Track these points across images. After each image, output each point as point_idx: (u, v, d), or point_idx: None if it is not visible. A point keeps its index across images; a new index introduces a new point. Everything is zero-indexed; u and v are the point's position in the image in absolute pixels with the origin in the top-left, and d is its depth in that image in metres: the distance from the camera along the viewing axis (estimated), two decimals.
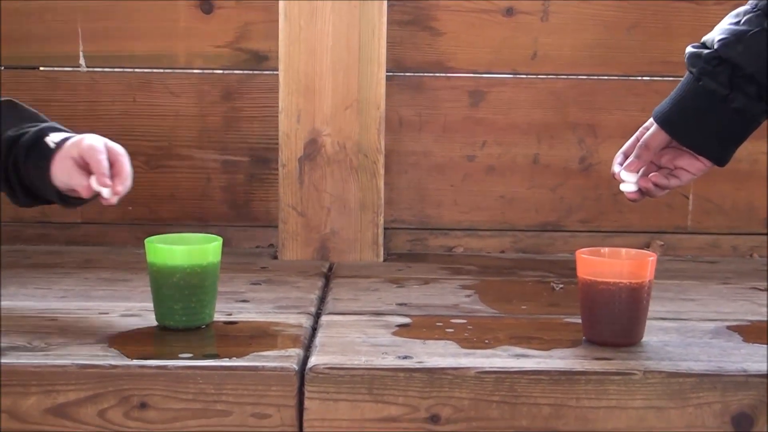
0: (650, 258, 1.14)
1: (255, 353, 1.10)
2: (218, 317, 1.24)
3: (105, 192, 1.20)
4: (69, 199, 1.25)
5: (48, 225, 1.74)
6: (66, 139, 1.25)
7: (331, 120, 1.63)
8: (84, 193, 1.21)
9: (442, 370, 1.06)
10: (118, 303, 1.31)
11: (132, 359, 1.07)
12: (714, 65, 1.16)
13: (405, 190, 1.74)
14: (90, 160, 1.21)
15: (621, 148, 1.31)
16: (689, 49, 1.22)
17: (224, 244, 1.74)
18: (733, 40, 1.16)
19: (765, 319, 1.29)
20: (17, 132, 1.25)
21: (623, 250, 1.20)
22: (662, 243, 1.74)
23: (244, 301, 1.34)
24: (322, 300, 1.38)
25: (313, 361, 1.08)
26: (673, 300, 1.38)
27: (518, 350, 1.13)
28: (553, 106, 1.72)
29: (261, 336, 1.17)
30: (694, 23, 1.70)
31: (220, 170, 1.73)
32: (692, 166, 1.23)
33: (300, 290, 1.41)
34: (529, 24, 1.70)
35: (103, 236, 1.74)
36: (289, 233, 1.65)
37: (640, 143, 1.24)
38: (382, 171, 1.64)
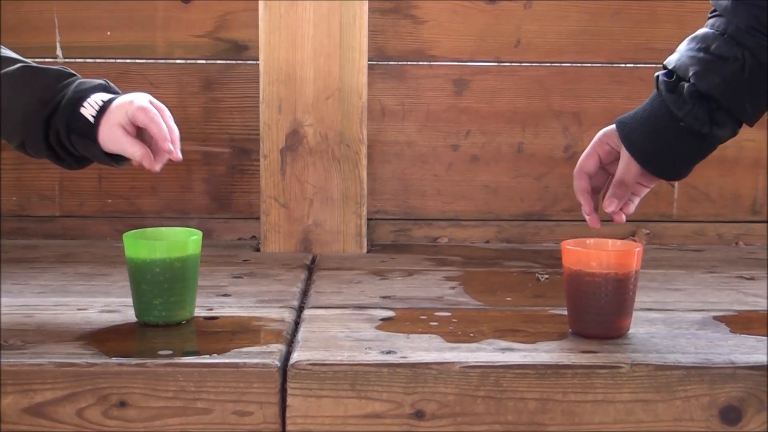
0: (636, 249, 1.13)
1: (236, 349, 1.08)
2: (199, 312, 1.22)
3: (173, 157, 1.15)
4: (121, 159, 1.19)
5: (25, 219, 1.71)
6: (106, 103, 1.16)
7: (312, 109, 1.61)
8: (145, 163, 1.15)
9: (426, 365, 1.04)
10: (97, 298, 1.29)
11: (110, 357, 1.05)
12: (693, 103, 1.11)
13: (388, 180, 1.72)
14: (146, 125, 1.14)
15: (579, 164, 1.23)
16: (660, 76, 1.16)
17: (206, 237, 1.73)
18: (710, 72, 1.10)
19: (751, 309, 1.28)
20: (50, 97, 1.16)
21: (609, 241, 1.19)
22: (648, 231, 1.73)
23: (225, 295, 1.32)
24: (304, 293, 1.36)
25: (295, 357, 1.06)
26: (659, 290, 1.37)
27: (503, 344, 1.11)
28: (537, 94, 1.71)
29: (242, 331, 1.15)
30: (677, 9, 1.69)
31: (201, 162, 1.71)
32: (650, 182, 1.20)
33: (282, 283, 1.39)
34: (512, 11, 1.68)
35: (82, 230, 1.71)
36: (272, 225, 1.63)
37: (615, 180, 1.18)
38: (365, 161, 1.62)
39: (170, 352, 1.07)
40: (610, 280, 1.11)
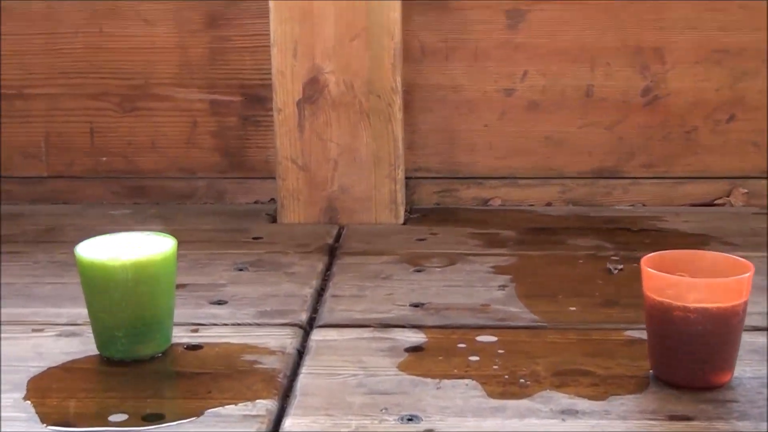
0: (747, 273, 0.84)
1: (212, 409, 0.83)
2: (181, 334, 0.97)
3: None
4: None
5: (8, 180, 1.47)
6: None
7: (334, 54, 1.32)
8: None
9: None
10: (62, 309, 1.05)
11: (46, 425, 0.81)
12: None
13: (430, 132, 1.44)
14: None
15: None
16: None
17: (217, 199, 1.48)
18: None
19: None
20: None
21: (707, 254, 0.90)
22: (746, 191, 1.43)
23: (219, 303, 1.07)
24: (319, 294, 1.11)
25: (286, 427, 0.81)
26: (764, 289, 1.08)
27: (564, 399, 0.85)
28: (610, 26, 1.40)
29: (227, 374, 0.90)
30: None
31: (208, 112, 1.45)
32: None
33: (293, 280, 1.13)
34: None
35: (74, 192, 1.47)
36: (289, 191, 1.36)
37: None
38: (399, 115, 1.34)
39: (124, 417, 0.82)
40: (709, 317, 0.83)
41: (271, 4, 1.31)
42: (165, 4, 1.41)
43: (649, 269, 0.86)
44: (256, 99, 1.44)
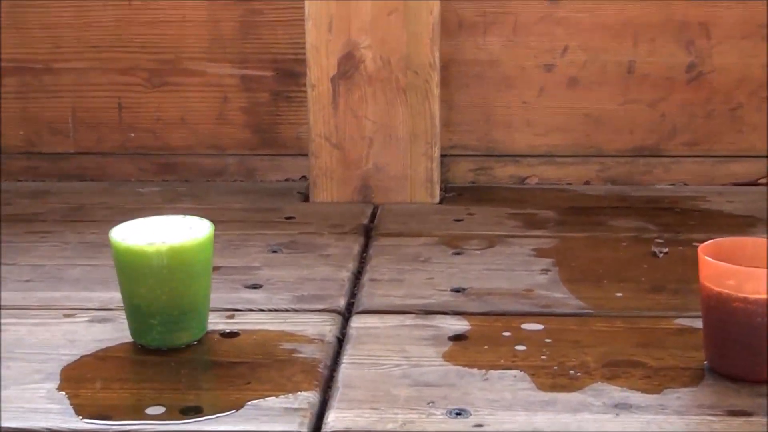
0: None
1: (252, 401, 0.80)
2: (216, 320, 0.94)
3: None
4: None
5: (34, 156, 1.44)
6: None
7: (371, 28, 1.28)
8: None
9: None
10: (93, 293, 1.02)
11: (81, 418, 0.78)
12: None
13: (466, 108, 1.40)
14: None
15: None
16: None
17: (247, 177, 1.45)
18: None
19: None
20: None
21: (764, 241, 0.86)
22: None
23: (254, 287, 1.04)
24: (356, 277, 1.08)
25: (330, 421, 0.78)
26: None
27: (617, 393, 0.81)
28: (655, 1, 1.35)
29: (266, 363, 0.87)
30: None
31: (239, 87, 1.41)
32: None
33: (329, 263, 1.10)
34: None
35: (101, 169, 1.44)
36: (322, 170, 1.33)
37: None
38: (436, 91, 1.30)
39: (162, 410, 0.79)
40: None
41: None
42: None
43: (707, 258, 0.82)
44: (289, 74, 1.40)
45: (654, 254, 1.12)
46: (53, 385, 0.83)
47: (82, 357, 0.88)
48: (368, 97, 1.30)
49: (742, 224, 1.23)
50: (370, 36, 1.28)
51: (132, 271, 0.86)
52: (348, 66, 1.30)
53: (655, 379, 0.83)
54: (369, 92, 1.30)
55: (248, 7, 1.38)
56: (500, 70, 1.39)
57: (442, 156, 1.37)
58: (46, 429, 0.77)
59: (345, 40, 1.29)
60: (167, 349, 0.89)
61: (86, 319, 0.96)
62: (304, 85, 1.36)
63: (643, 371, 0.85)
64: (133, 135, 1.43)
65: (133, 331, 0.90)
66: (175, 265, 0.86)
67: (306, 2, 1.28)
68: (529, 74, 1.39)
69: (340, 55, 1.29)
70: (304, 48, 1.33)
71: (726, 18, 1.35)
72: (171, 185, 1.41)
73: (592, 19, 1.36)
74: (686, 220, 1.25)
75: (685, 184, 1.40)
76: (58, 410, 0.79)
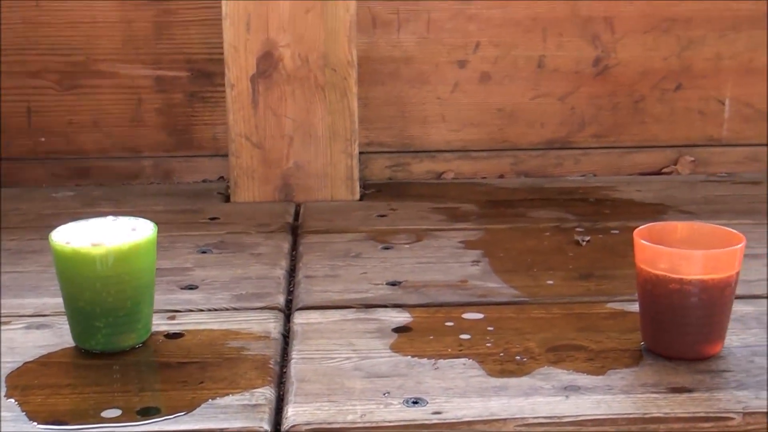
0: (739, 244, 0.85)
1: (209, 401, 0.80)
2: (158, 321, 0.94)
3: None
4: None
5: None
6: None
7: (289, 26, 1.29)
8: None
9: (470, 426, 0.77)
10: (25, 299, 1.00)
11: (36, 424, 0.77)
12: None
13: (382, 105, 1.42)
14: None
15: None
16: None
17: (164, 179, 1.43)
18: None
19: None
20: None
21: (694, 224, 0.90)
22: (693, 159, 1.45)
23: (190, 287, 1.03)
24: (291, 275, 1.08)
25: (290, 416, 0.78)
26: None
27: (564, 375, 0.84)
28: None
29: (216, 362, 0.87)
30: None
31: (154, 89, 1.40)
32: None
33: (262, 261, 1.10)
34: None
35: (11, 175, 1.41)
36: (243, 169, 1.33)
37: None
38: (355, 89, 1.31)
39: (118, 412, 0.78)
40: (705, 288, 0.83)
41: None
42: None
43: (643, 241, 0.85)
44: (204, 74, 1.40)
45: (577, 242, 1.16)
46: (3, 392, 0.82)
47: (25, 364, 0.87)
48: (287, 95, 1.31)
49: (653, 211, 1.28)
50: (288, 34, 1.29)
51: (76, 274, 0.85)
52: (267, 65, 1.30)
53: (598, 361, 0.86)
54: (288, 91, 1.31)
55: (162, 7, 1.37)
56: (415, 67, 1.41)
57: (359, 153, 1.39)
58: None
59: (263, 39, 1.29)
60: (112, 353, 0.88)
61: (23, 325, 0.94)
62: (220, 85, 1.36)
63: (586, 354, 0.88)
64: (43, 139, 1.41)
65: (77, 336, 0.89)
66: (121, 267, 0.85)
67: (223, 1, 1.27)
68: (442, 70, 1.41)
69: (259, 54, 1.29)
70: (218, 48, 1.33)
71: (628, 12, 1.40)
72: (85, 189, 1.39)
73: (502, 15, 1.40)
74: (601, 209, 1.29)
75: (595, 175, 1.45)
76: (11, 417, 0.78)
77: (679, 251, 0.84)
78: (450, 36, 1.40)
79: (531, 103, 1.43)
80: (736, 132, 1.45)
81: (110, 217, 0.91)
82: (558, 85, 1.43)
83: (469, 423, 0.77)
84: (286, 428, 0.77)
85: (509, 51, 1.41)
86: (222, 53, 1.31)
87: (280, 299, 1.01)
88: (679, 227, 0.90)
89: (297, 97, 1.31)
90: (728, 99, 1.44)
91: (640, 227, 0.88)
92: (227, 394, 0.81)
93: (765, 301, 0.98)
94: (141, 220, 0.91)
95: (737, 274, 0.85)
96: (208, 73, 1.39)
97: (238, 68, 1.29)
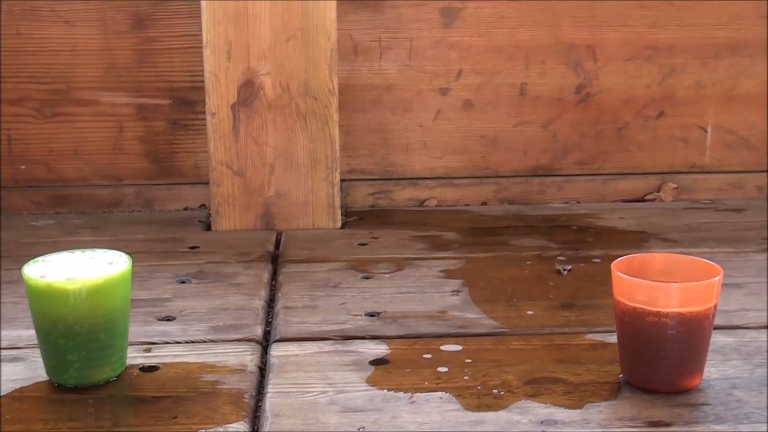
0: (716, 277, 0.84)
1: None
2: (134, 354, 0.93)
3: None
4: None
5: None
6: None
7: (270, 54, 1.28)
8: None
9: None
10: (1, 331, 0.99)
11: None
12: None
13: (364, 133, 1.42)
14: None
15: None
16: None
17: (145, 207, 1.43)
18: None
19: None
20: None
21: (672, 256, 0.90)
22: (675, 186, 1.45)
23: (168, 319, 1.02)
24: (269, 306, 1.07)
25: None
26: None
27: (541, 409, 0.83)
28: (544, 24, 1.40)
29: (191, 396, 0.86)
30: None
31: (135, 117, 1.40)
32: None
33: (241, 291, 1.10)
34: None
35: None
36: (225, 197, 1.32)
37: None
38: (336, 116, 1.31)
39: None
40: (683, 321, 0.83)
41: (203, 4, 1.26)
42: (86, 4, 1.35)
43: (620, 273, 0.85)
44: (185, 102, 1.39)
45: (558, 272, 1.15)
46: None
47: None
48: (268, 123, 1.30)
49: (636, 239, 1.28)
50: (269, 62, 1.28)
51: (50, 308, 0.84)
52: (248, 93, 1.29)
53: (576, 395, 0.86)
54: (269, 119, 1.30)
55: (143, 35, 1.37)
56: (397, 94, 1.41)
57: (341, 180, 1.38)
58: None
59: (244, 68, 1.28)
60: (86, 387, 0.87)
61: None
62: (202, 112, 1.36)
63: (564, 387, 0.87)
64: (23, 167, 1.40)
65: (50, 370, 0.88)
66: (95, 301, 0.84)
67: (204, 29, 1.27)
68: (425, 98, 1.41)
69: (240, 83, 1.29)
70: (200, 76, 1.32)
71: (610, 40, 1.41)
72: (66, 217, 1.38)
73: (485, 42, 1.40)
74: (584, 237, 1.28)
75: (578, 202, 1.45)
76: None
77: (656, 284, 0.84)
78: (432, 63, 1.40)
79: (514, 130, 1.43)
80: (718, 159, 1.45)
81: (87, 251, 0.90)
82: (541, 112, 1.43)
83: None
84: None
85: (492, 78, 1.41)
86: (203, 80, 1.30)
87: (258, 331, 1.00)
88: (658, 258, 0.89)
89: (278, 125, 1.30)
90: (710, 126, 1.44)
91: (619, 259, 0.88)
92: (200, 429, 0.80)
93: (744, 331, 0.98)
94: (115, 252, 0.90)
95: (715, 306, 0.85)
96: (189, 101, 1.39)
97: (219, 96, 1.29)
